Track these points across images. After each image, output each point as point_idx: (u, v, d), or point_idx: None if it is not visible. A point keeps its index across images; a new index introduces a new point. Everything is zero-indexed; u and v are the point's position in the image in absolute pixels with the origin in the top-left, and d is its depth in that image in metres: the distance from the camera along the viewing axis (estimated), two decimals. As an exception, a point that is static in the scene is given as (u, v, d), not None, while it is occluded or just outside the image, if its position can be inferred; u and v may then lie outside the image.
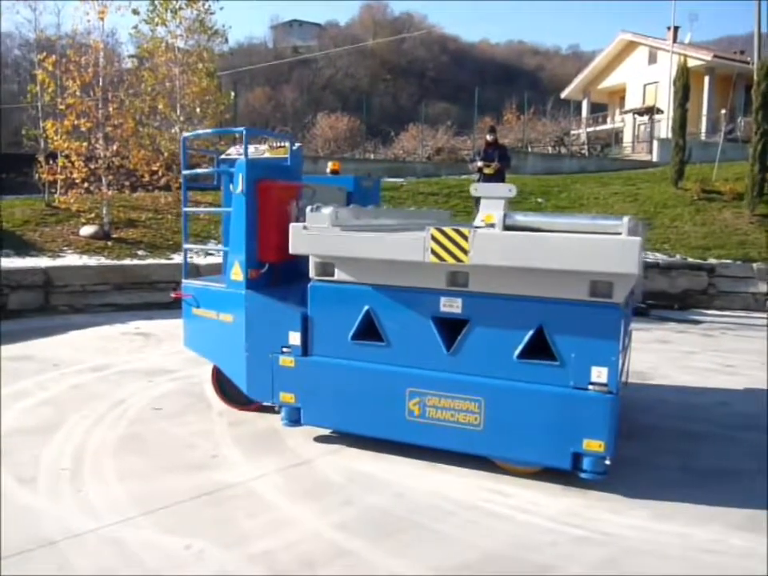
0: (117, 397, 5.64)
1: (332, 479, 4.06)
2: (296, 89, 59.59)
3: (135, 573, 3.01)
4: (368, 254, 4.15)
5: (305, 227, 4.28)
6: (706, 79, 32.99)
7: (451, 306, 4.06)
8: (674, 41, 32.74)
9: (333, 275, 4.36)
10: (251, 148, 5.18)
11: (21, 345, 7.61)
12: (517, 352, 3.92)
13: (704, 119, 31.66)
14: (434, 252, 3.89)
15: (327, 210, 4.22)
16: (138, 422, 5.02)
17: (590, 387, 3.75)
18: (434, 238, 3.88)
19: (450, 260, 3.86)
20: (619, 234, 3.59)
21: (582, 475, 3.82)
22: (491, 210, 4.11)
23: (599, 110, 40.85)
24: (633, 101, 37.05)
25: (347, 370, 4.36)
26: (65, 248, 11.44)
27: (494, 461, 4.18)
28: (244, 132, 4.92)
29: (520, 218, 3.97)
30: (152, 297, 10.31)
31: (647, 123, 31.54)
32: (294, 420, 4.57)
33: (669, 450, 4.63)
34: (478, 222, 4.24)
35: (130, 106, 13.55)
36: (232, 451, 4.48)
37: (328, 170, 6.32)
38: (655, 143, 25.06)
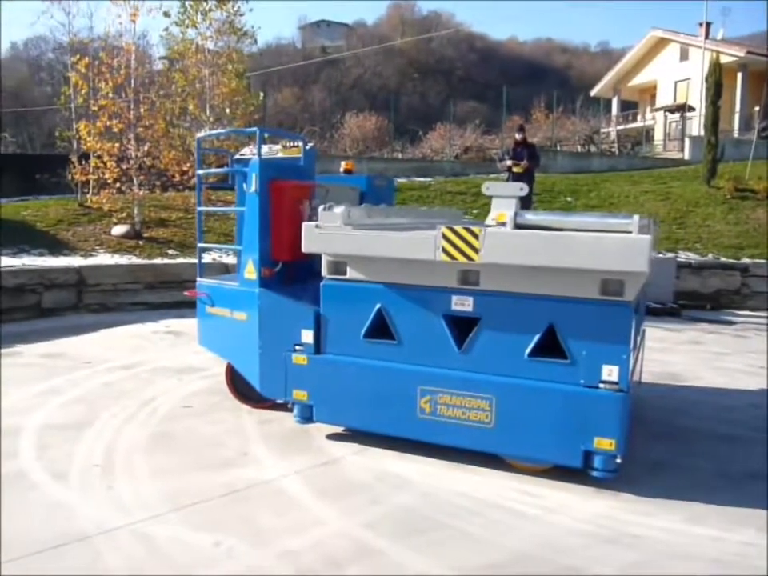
0: (147, 394, 5.72)
1: (359, 478, 4.07)
2: (324, 89, 59.78)
3: (165, 569, 3.05)
4: (380, 252, 4.17)
5: (317, 226, 4.31)
6: (739, 76, 32.40)
7: (463, 304, 4.08)
8: (706, 37, 32.25)
9: (345, 274, 4.39)
10: (265, 148, 5.21)
11: (53, 342, 7.75)
12: (528, 350, 3.92)
13: (737, 116, 31.12)
14: (445, 251, 3.91)
15: (339, 209, 4.25)
16: (168, 420, 5.08)
17: (601, 386, 3.75)
18: (445, 237, 3.90)
19: (461, 259, 3.87)
20: (630, 232, 3.57)
21: (593, 473, 3.81)
22: (503, 209, 4.11)
23: (629, 108, 40.35)
24: (664, 98, 36.54)
25: (359, 368, 4.39)
26: (97, 247, 11.62)
27: (505, 459, 4.17)
28: (257, 132, 4.95)
29: (531, 217, 3.98)
30: (182, 296, 10.38)
31: (679, 121, 31.09)
32: (307, 417, 4.61)
33: (701, 453, 4.57)
34: (489, 220, 4.24)
35: (161, 107, 13.71)
36: (261, 449, 4.52)
37: (341, 170, 6.34)
38: (687, 141, 24.70)
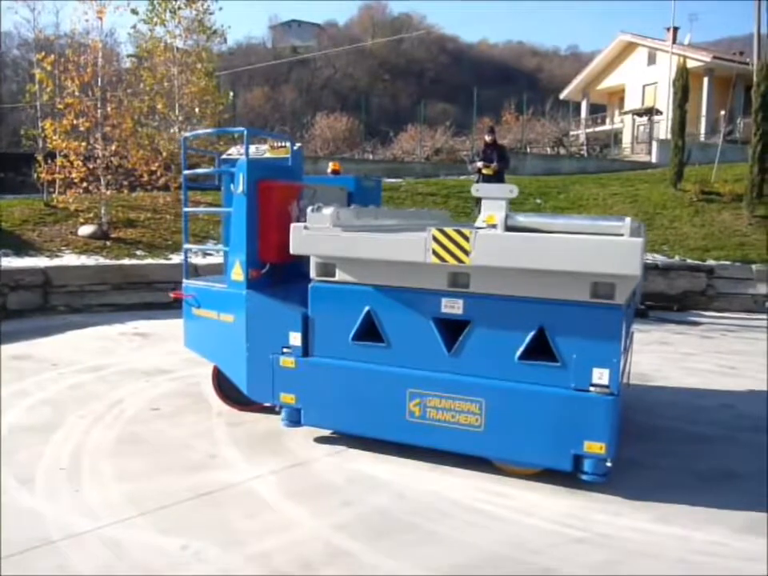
0: (115, 397, 5.63)
1: (331, 480, 4.05)
2: (295, 89, 59.55)
3: (132, 573, 2.99)
4: (369, 254, 4.12)
5: (306, 227, 4.26)
6: (705, 80, 33.01)
7: (452, 306, 4.04)
8: (674, 42, 32.78)
9: (334, 276, 4.34)
10: (252, 148, 5.17)
11: (20, 344, 7.60)
12: (518, 353, 3.89)
13: (703, 120, 31.68)
14: (435, 253, 3.87)
15: (328, 211, 4.20)
16: (136, 422, 5.00)
17: (591, 389, 3.73)
18: (435, 239, 3.86)
19: (452, 261, 3.84)
20: (621, 235, 3.57)
21: (583, 477, 3.79)
22: (493, 211, 4.10)
23: (598, 111, 40.85)
24: (632, 102, 37.07)
25: (348, 371, 4.34)
26: (63, 248, 11.42)
27: (494, 462, 4.16)
28: (245, 132, 4.90)
29: (522, 219, 3.96)
30: (151, 297, 10.29)
31: (646, 124, 31.55)
32: (295, 421, 4.55)
33: (672, 452, 4.62)
34: (479, 222, 4.22)
35: (129, 105, 13.53)
36: (231, 452, 4.46)
37: (329, 170, 6.31)
38: (654, 144, 25.08)
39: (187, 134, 5.48)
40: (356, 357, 4.32)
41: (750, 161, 15.11)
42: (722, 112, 23.88)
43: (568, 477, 3.95)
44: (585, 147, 30.51)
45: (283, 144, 5.44)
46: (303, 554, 3.18)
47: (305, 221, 4.33)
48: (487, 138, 11.50)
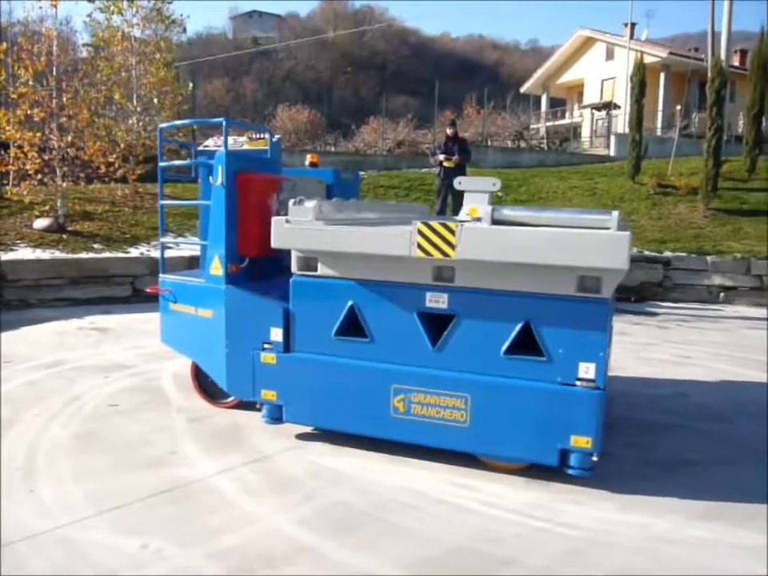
0: (72, 393, 5.50)
1: (294, 475, 4.02)
2: (256, 80, 58.97)
3: (90, 574, 2.93)
4: (352, 248, 4.03)
5: (287, 221, 4.16)
6: (662, 76, 33.62)
7: (437, 301, 3.99)
8: (631, 37, 33.30)
9: (316, 270, 4.25)
10: (230, 140, 5.08)
11: (-29, 341, 7.39)
12: (504, 348, 3.86)
13: (660, 115, 32.27)
14: (420, 246, 3.80)
15: (311, 204, 4.11)
16: (94, 419, 4.90)
17: (578, 383, 3.71)
18: (420, 233, 3.79)
19: (437, 255, 3.78)
20: (608, 228, 3.54)
21: (569, 471, 3.76)
22: (476, 204, 4.06)
23: (558, 105, 41.32)
24: (591, 96, 37.58)
25: (330, 367, 4.27)
26: (18, 241, 11.12)
27: (480, 458, 4.12)
28: (223, 123, 4.77)
29: (508, 213, 3.89)
30: (109, 291, 10.11)
31: (605, 118, 32.03)
32: (276, 418, 4.46)
33: (631, 442, 4.68)
34: (462, 215, 4.18)
35: (86, 95, 13.21)
36: (191, 447, 4.40)
37: (306, 163, 6.18)
38: (612, 138, 25.48)
39: (164, 125, 5.34)
40: (339, 352, 4.26)
41: (705, 155, 15.44)
42: (678, 107, 24.31)
43: (532, 468, 4.00)
44: (545, 141, 30.86)
45: (262, 136, 5.34)
46: (266, 550, 3.15)
47: (284, 214, 4.25)
48: (448, 131, 11.53)
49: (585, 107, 36.57)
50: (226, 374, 4.68)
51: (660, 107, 32.83)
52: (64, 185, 12.41)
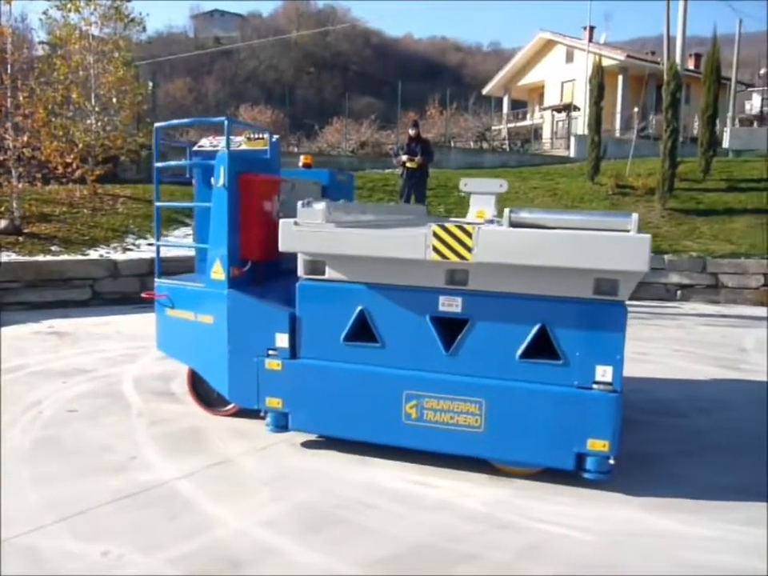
0: (30, 399, 5.39)
1: (258, 476, 4.00)
2: (218, 80, 58.54)
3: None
4: (365, 251, 3.93)
5: (296, 223, 4.03)
6: (620, 78, 34.23)
7: (451, 305, 3.92)
8: (590, 40, 33.78)
9: (323, 274, 4.15)
10: (224, 139, 4.98)
11: (-77, 346, 7.20)
12: (519, 352, 3.81)
13: (618, 117, 32.85)
14: (436, 249, 3.73)
15: (320, 206, 4.01)
16: (53, 425, 4.82)
17: (595, 386, 3.70)
18: (436, 235, 3.72)
19: (454, 258, 3.71)
20: (628, 231, 3.52)
21: (586, 475, 3.76)
22: (482, 206, 4.00)
23: (519, 107, 41.76)
24: (551, 98, 38.06)
25: (339, 373, 4.17)
26: (-29, 244, 10.87)
27: (494, 463, 4.08)
28: (225, 122, 4.65)
29: (526, 215, 3.80)
30: (67, 294, 9.93)
31: (565, 120, 32.47)
32: (281, 426, 4.35)
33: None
34: (470, 217, 4.12)
35: (42, 94, 12.95)
36: (152, 452, 4.35)
37: (300, 164, 6.09)
38: (572, 139, 25.84)
39: (160, 124, 5.17)
40: (348, 358, 4.16)
41: (662, 156, 15.75)
42: (636, 109, 24.82)
43: (491, 466, 4.05)
44: (506, 142, 31.15)
45: (260, 135, 5.21)
46: (230, 553, 3.14)
47: (284, 216, 4.13)
48: (411, 132, 11.58)
49: (545, 109, 37.01)
50: (228, 381, 4.54)
51: (618, 109, 33.41)
52: (20, 186, 12.14)
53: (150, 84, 16.44)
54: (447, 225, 3.76)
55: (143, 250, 11.26)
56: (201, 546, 3.19)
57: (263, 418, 4.47)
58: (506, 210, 3.74)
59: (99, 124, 14.16)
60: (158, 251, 5.24)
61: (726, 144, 24.67)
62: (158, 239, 5.25)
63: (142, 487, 3.80)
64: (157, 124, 5.18)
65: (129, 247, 11.36)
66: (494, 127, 33.45)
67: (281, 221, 4.12)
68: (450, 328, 3.97)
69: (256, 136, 5.24)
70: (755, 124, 31.82)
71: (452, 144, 26.97)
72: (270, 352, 4.35)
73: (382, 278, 4.05)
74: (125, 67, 14.25)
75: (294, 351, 4.30)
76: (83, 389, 5.73)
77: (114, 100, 14.16)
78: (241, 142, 5.16)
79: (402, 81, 26.67)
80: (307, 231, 4.02)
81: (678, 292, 12.16)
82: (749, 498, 3.82)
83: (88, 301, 10.00)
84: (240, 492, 3.79)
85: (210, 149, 5.01)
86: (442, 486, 3.93)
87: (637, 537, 3.39)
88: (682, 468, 4.24)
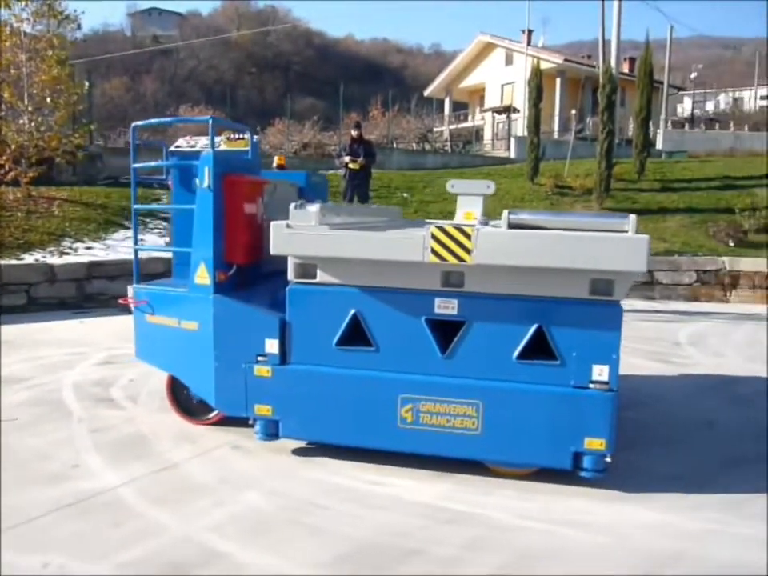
0: (-37, 409, 5.23)
1: (203, 481, 3.97)
2: (157, 79, 57.47)
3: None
4: (362, 254, 3.87)
5: (288, 225, 3.94)
6: (558, 81, 34.98)
7: (446, 307, 3.90)
8: (528, 44, 34.42)
9: (314, 277, 4.07)
10: (203, 139, 4.83)
11: None
12: (516, 353, 3.83)
13: (557, 118, 33.54)
14: (434, 252, 3.70)
15: (314, 208, 3.93)
16: (-11, 435, 4.68)
17: (591, 386, 3.73)
18: (434, 237, 3.69)
19: (452, 260, 3.69)
20: (626, 231, 3.57)
21: (583, 474, 3.80)
22: (470, 208, 3.99)
23: (461, 108, 42.27)
24: (492, 100, 38.64)
25: (332, 378, 4.11)
26: None
27: (489, 465, 4.08)
28: (210, 122, 4.52)
29: (524, 216, 3.81)
30: (2, 300, 9.60)
31: (505, 121, 32.97)
32: (272, 434, 4.26)
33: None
34: (458, 219, 4.11)
35: (-30, 94, 12.54)
36: (94, 459, 4.27)
37: (274, 165, 5.98)
38: (512, 141, 26.30)
39: (138, 123, 4.97)
40: (341, 363, 4.10)
41: (598, 157, 16.20)
42: (573, 111, 25.38)
43: (438, 462, 4.10)
44: (448, 143, 31.47)
45: (241, 136, 5.08)
46: (175, 559, 3.11)
47: (267, 218, 4.04)
48: (353, 133, 11.61)
49: (486, 111, 37.57)
50: (215, 389, 4.41)
51: (557, 111, 34.13)
52: (-51, 188, 11.72)
53: (86, 83, 15.97)
54: (446, 227, 3.73)
55: (81, 254, 10.99)
56: (145, 553, 3.15)
57: (251, 426, 4.39)
58: (505, 212, 3.75)
59: (33, 124, 13.73)
60: (136, 255, 5.04)
61: (659, 145, 25.52)
62: (135, 243, 5.08)
63: (84, 495, 3.73)
64: (134, 123, 4.99)
65: (66, 251, 11.07)
66: (435, 129, 33.79)
67: (272, 223, 4.01)
68: (445, 330, 3.96)
69: (236, 136, 5.12)
70: (687, 126, 32.95)
71: (394, 145, 27.11)
72: (259, 358, 4.25)
73: (377, 280, 4.00)
74: (59, 66, 13.84)
75: (284, 357, 4.22)
76: (22, 397, 5.57)
77: (49, 100, 13.75)
78: (220, 143, 5.03)
79: (345, 82, 26.70)
80: (301, 234, 3.93)
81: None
82: (684, 486, 3.98)
83: (24, 306, 9.71)
84: (185, 497, 3.75)
85: (188, 149, 4.88)
86: (389, 483, 3.97)
87: (575, 527, 3.48)
88: (627, 459, 4.33)
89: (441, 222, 4.24)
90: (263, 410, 4.25)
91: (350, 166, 11.11)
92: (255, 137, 5.15)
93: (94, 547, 3.20)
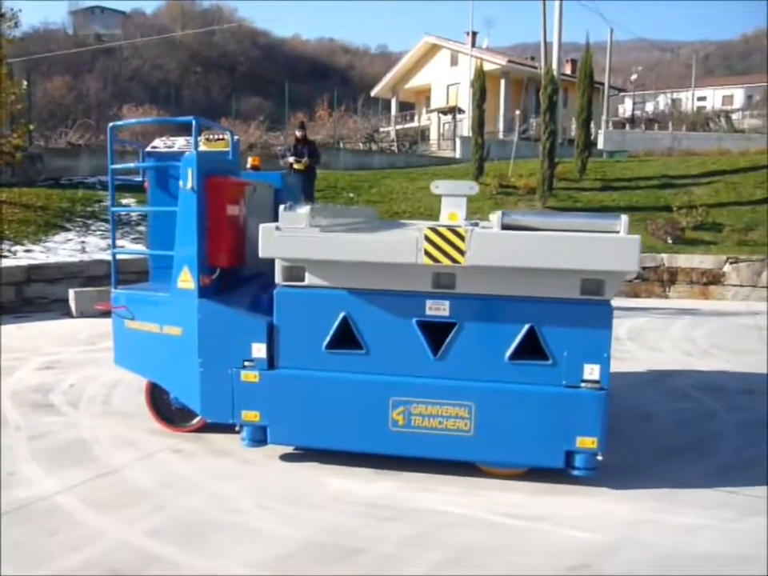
0: None
1: (142, 485, 3.94)
2: (100, 79, 56.20)
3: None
4: (353, 256, 3.83)
5: (278, 228, 3.88)
6: (502, 82, 35.43)
7: (438, 309, 3.89)
8: (473, 45, 34.78)
9: (302, 280, 4.01)
10: (180, 140, 4.71)
11: None
12: (508, 353, 3.84)
13: (501, 119, 33.98)
14: (427, 253, 3.69)
15: (304, 210, 3.86)
16: None
17: (583, 385, 3.77)
18: (427, 239, 3.68)
19: (446, 261, 3.68)
20: (617, 232, 3.61)
21: (575, 472, 3.83)
22: (454, 209, 3.99)
23: (407, 109, 42.46)
24: (437, 100, 38.93)
25: (321, 382, 4.06)
26: None
27: (480, 466, 4.09)
28: (194, 122, 4.41)
29: (517, 218, 3.81)
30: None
31: (451, 122, 33.30)
32: (259, 440, 4.19)
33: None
34: (443, 220, 4.11)
35: None
36: (32, 466, 4.19)
37: (248, 165, 5.88)
38: (458, 141, 26.55)
39: (117, 123, 4.85)
40: (330, 366, 4.05)
41: (541, 157, 16.51)
42: (517, 111, 25.81)
43: (379, 461, 4.14)
44: (395, 143, 31.58)
45: (221, 136, 4.97)
46: (114, 564, 3.09)
47: (249, 220, 3.95)
48: (298, 134, 11.59)
49: (432, 111, 37.83)
50: (200, 396, 4.31)
51: (501, 112, 34.58)
52: None
53: (25, 82, 15.58)
54: (439, 228, 3.71)
55: (19, 257, 10.72)
56: (83, 560, 3.12)
57: (238, 432, 4.32)
58: (498, 213, 3.78)
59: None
60: (114, 259, 4.89)
61: (600, 145, 26.10)
62: (113, 246, 4.95)
63: (20, 503, 3.67)
64: (112, 124, 4.86)
65: (4, 254, 10.78)
66: (382, 129, 33.87)
67: (261, 225, 3.95)
68: (436, 332, 3.95)
69: (216, 137, 5.02)
70: (627, 126, 33.77)
71: (341, 145, 27.08)
72: (246, 363, 4.17)
73: (367, 282, 3.98)
74: (-5, 65, 13.50)
75: (272, 361, 4.15)
76: (-47, 406, 5.43)
77: (-15, 99, 13.39)
78: (199, 143, 4.92)
79: (291, 82, 26.59)
80: (291, 237, 3.87)
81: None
82: (622, 476, 4.08)
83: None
84: (123, 502, 3.72)
85: (165, 150, 4.79)
86: (330, 483, 4.00)
87: (517, 520, 3.57)
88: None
89: (423, 223, 4.27)
90: (251, 416, 4.18)
91: (295, 166, 11.11)
92: (236, 137, 5.07)
93: (30, 556, 3.15)
